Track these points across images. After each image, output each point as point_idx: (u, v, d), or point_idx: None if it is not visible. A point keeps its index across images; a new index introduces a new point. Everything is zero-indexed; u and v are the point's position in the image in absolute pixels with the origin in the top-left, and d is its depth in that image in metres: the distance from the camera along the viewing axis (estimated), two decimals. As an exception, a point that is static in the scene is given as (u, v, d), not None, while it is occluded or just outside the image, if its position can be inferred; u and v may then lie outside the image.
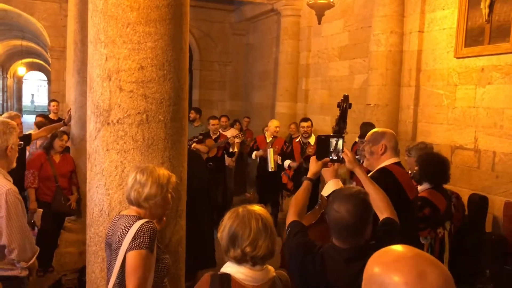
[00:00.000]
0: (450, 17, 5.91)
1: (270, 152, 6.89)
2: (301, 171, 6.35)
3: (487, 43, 5.41)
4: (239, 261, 1.78)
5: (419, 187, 3.45)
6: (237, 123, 9.24)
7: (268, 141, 7.34)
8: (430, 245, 3.08)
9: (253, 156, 7.62)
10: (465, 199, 5.04)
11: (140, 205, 2.21)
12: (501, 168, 5.25)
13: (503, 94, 5.22)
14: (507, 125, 5.18)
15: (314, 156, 2.52)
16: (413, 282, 0.88)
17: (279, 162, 6.99)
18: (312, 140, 6.64)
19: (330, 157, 2.49)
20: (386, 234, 2.08)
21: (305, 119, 6.93)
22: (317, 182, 5.84)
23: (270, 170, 6.94)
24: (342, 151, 2.45)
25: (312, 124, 6.85)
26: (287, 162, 6.77)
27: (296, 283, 2.11)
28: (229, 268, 1.81)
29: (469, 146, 5.65)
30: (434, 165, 3.39)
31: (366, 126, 5.77)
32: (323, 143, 2.50)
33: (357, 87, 7.74)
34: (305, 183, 2.47)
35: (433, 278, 0.89)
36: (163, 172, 2.26)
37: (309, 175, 2.51)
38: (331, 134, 2.58)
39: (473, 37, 5.58)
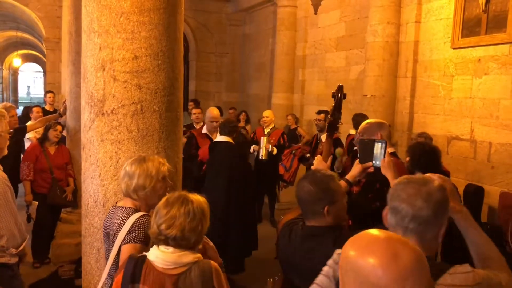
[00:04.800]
0: (447, 8, 5.88)
1: (263, 140, 6.71)
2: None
3: (483, 34, 5.40)
4: (155, 239, 1.86)
5: (412, 178, 3.45)
6: (243, 113, 9.11)
7: (265, 132, 7.30)
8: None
9: (251, 150, 7.54)
10: (461, 190, 5.04)
11: (130, 196, 2.21)
12: (496, 159, 5.26)
13: (499, 85, 5.22)
14: (503, 115, 5.18)
15: (358, 160, 2.44)
16: (388, 263, 0.92)
17: (273, 152, 6.88)
18: (324, 136, 5.97)
19: (373, 162, 2.37)
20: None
21: (319, 112, 6.34)
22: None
23: (260, 158, 6.74)
24: (384, 156, 2.35)
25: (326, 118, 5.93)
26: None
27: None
28: (150, 251, 1.89)
29: (465, 136, 5.66)
30: (426, 154, 3.37)
31: (358, 117, 5.74)
32: (367, 147, 2.39)
33: (353, 78, 7.72)
34: (343, 185, 2.40)
35: (406, 258, 0.93)
36: (154, 161, 2.23)
37: (348, 176, 2.44)
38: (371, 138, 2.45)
39: (470, 28, 5.57)
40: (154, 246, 1.88)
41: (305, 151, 6.63)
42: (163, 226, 1.81)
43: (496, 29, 5.23)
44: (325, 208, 1.99)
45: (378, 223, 2.53)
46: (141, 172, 2.17)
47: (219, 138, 4.96)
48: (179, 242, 1.83)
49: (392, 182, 2.23)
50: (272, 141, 6.88)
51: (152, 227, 1.87)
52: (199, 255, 1.89)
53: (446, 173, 4.20)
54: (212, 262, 1.93)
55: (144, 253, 1.90)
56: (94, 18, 2.48)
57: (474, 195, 5.20)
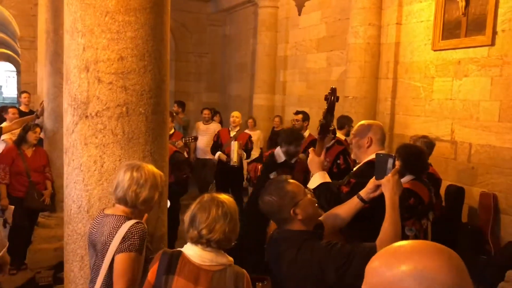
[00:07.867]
0: (428, 10, 5.95)
1: (235, 145, 6.40)
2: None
3: (463, 36, 5.47)
4: (195, 242, 1.89)
5: (402, 180, 3.45)
6: (218, 115, 8.69)
7: (232, 135, 7.07)
8: (415, 237, 3.07)
9: (216, 157, 6.90)
10: (442, 190, 5.11)
11: (136, 206, 2.14)
12: (477, 160, 5.34)
13: (479, 87, 5.30)
14: (482, 117, 5.26)
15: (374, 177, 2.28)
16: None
17: (244, 157, 6.59)
18: (305, 135, 5.68)
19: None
20: (355, 249, 1.92)
21: (297, 112, 6.01)
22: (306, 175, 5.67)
23: (232, 164, 6.42)
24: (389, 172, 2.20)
25: (307, 118, 5.83)
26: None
27: None
28: (185, 247, 1.93)
29: (446, 137, 5.73)
30: (415, 156, 3.38)
31: (342, 119, 5.77)
32: (381, 162, 2.25)
33: (334, 79, 7.73)
34: (356, 202, 2.28)
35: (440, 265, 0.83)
36: (156, 172, 2.20)
37: (361, 192, 2.29)
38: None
39: (450, 30, 5.64)
40: (190, 243, 1.91)
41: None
42: (204, 231, 1.84)
43: (476, 31, 5.31)
44: (291, 211, 1.99)
45: (368, 222, 2.51)
46: (152, 184, 2.13)
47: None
48: (221, 244, 1.88)
49: (388, 202, 2.10)
50: (240, 144, 6.61)
51: (188, 231, 1.89)
52: (231, 259, 1.94)
53: (435, 175, 4.24)
54: (244, 270, 1.97)
55: (179, 248, 1.94)
56: (78, 17, 2.39)
57: (455, 196, 5.27)
